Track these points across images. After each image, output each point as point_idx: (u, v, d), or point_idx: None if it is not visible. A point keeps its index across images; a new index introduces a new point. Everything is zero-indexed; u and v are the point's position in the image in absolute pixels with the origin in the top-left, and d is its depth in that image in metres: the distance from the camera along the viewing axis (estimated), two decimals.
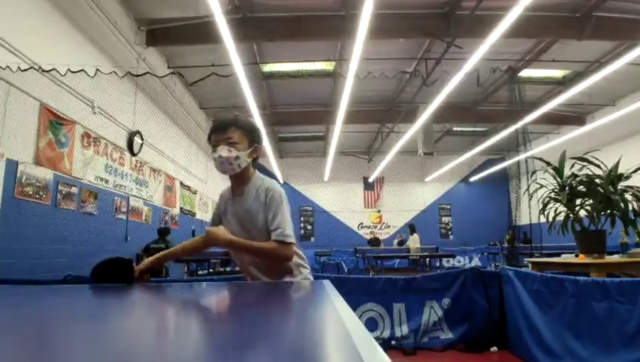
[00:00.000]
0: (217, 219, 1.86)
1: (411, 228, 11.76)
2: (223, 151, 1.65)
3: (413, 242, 11.18)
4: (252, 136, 1.74)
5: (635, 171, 3.51)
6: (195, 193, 11.35)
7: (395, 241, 14.49)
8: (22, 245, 4.85)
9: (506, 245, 8.83)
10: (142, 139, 7.81)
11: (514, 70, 8.58)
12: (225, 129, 1.70)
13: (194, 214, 11.19)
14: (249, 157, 1.72)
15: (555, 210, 3.61)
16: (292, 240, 1.65)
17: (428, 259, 9.34)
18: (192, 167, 10.87)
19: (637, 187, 3.39)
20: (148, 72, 6.70)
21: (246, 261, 1.74)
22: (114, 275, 1.56)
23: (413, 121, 10.11)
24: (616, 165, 3.48)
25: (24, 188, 4.95)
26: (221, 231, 1.66)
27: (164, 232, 7.50)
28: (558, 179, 3.70)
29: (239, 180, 1.75)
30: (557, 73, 9.67)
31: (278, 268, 1.71)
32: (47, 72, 5.01)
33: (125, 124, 7.20)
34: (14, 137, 4.76)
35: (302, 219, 16.57)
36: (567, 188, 3.58)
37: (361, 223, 16.57)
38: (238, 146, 1.67)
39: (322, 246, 13.63)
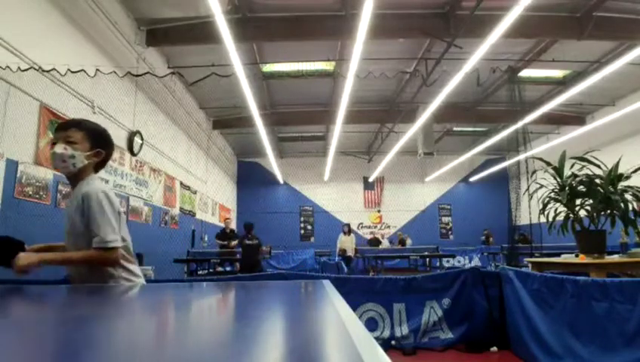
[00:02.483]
0: None
1: (348, 227, 11.05)
2: (59, 148, 1.66)
3: (346, 242, 10.68)
4: (96, 139, 1.74)
5: (635, 171, 3.51)
6: (195, 193, 11.35)
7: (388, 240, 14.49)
8: None
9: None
10: (142, 139, 7.81)
11: (514, 70, 8.58)
12: (66, 128, 1.72)
13: (194, 214, 11.19)
14: (87, 159, 1.70)
15: (555, 210, 3.61)
16: (115, 244, 1.59)
17: (428, 259, 9.34)
18: (192, 167, 10.87)
19: (637, 187, 3.39)
20: (148, 72, 6.70)
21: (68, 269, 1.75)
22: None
23: (413, 121, 10.11)
24: (616, 165, 3.47)
25: (24, 188, 4.95)
26: (25, 256, 1.57)
27: (250, 227, 7.95)
28: (558, 179, 3.70)
29: (73, 181, 1.74)
30: (557, 73, 9.67)
31: (94, 279, 1.64)
32: (47, 72, 5.01)
33: (125, 124, 7.20)
34: (14, 137, 4.76)
35: (302, 219, 16.58)
36: (567, 188, 3.58)
37: (361, 223, 16.56)
38: (76, 146, 1.67)
39: (322, 246, 13.62)
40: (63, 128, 1.72)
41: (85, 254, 1.59)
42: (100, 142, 1.76)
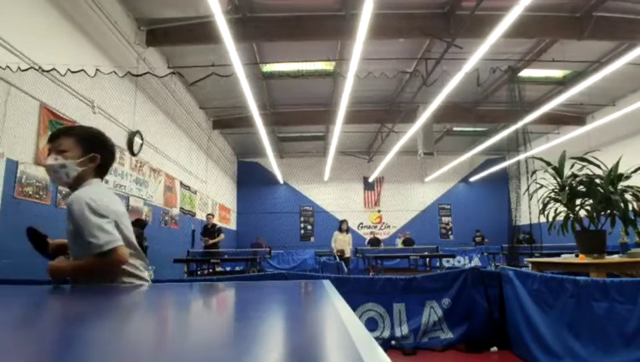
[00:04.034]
0: None
1: (346, 224, 9.83)
2: (50, 159, 1.58)
3: (343, 242, 9.60)
4: (88, 143, 1.63)
5: (635, 171, 3.51)
6: (195, 193, 11.35)
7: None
8: (22, 245, 4.84)
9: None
10: (142, 139, 7.81)
11: (514, 70, 8.58)
12: (55, 138, 1.63)
13: (194, 214, 11.19)
14: (81, 165, 1.60)
15: (555, 210, 3.61)
16: (113, 245, 1.47)
17: (428, 259, 9.33)
18: (192, 167, 10.87)
19: (637, 187, 3.39)
20: (148, 72, 6.70)
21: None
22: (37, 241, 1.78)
23: (413, 121, 10.12)
24: (616, 165, 3.47)
25: (24, 188, 4.96)
26: (55, 266, 1.59)
27: (142, 224, 6.80)
28: (558, 179, 3.70)
29: (73, 190, 1.63)
30: (557, 73, 9.68)
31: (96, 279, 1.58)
32: (47, 72, 5.01)
33: (125, 124, 7.20)
34: (14, 137, 4.76)
35: (302, 219, 16.58)
36: (567, 188, 3.58)
37: (361, 223, 16.57)
38: (66, 154, 1.58)
39: (322, 246, 13.64)
40: (54, 138, 1.63)
41: (89, 263, 1.51)
42: (93, 146, 1.65)
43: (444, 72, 7.78)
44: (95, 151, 1.64)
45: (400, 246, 13.51)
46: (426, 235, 15.20)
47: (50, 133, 1.71)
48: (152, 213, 8.54)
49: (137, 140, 7.64)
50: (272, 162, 13.72)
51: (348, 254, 9.65)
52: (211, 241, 9.48)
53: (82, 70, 5.07)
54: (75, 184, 1.63)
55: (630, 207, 3.33)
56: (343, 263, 8.93)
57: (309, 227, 16.60)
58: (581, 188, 3.53)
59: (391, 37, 7.43)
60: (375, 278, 4.14)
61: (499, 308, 3.66)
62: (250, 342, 0.59)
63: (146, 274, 1.72)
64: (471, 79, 7.54)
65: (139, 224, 6.28)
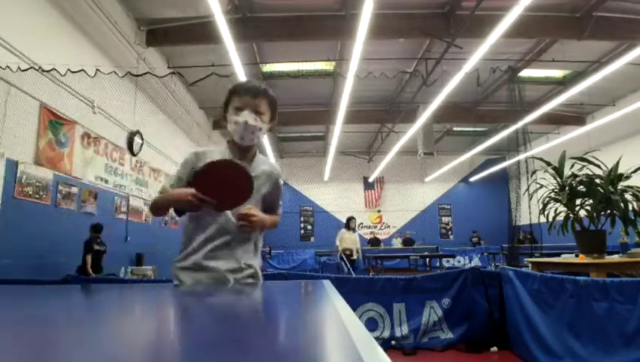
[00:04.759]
0: (187, 179, 1.67)
1: (354, 222, 9.00)
2: (250, 118, 1.52)
3: (352, 241, 8.73)
4: (274, 111, 1.64)
5: (635, 171, 3.51)
6: None
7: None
8: (22, 245, 4.85)
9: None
10: (142, 139, 7.80)
11: (514, 70, 8.57)
12: (256, 95, 1.56)
13: None
14: (267, 131, 1.65)
15: (555, 210, 3.61)
16: None
17: (428, 259, 9.34)
18: None
19: (637, 187, 3.39)
20: (148, 72, 6.70)
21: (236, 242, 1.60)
22: None
23: (413, 121, 10.12)
24: (616, 165, 3.47)
25: (24, 188, 4.96)
26: (256, 210, 1.53)
27: (99, 228, 6.12)
28: (558, 179, 3.70)
29: (248, 151, 1.63)
30: (557, 73, 9.67)
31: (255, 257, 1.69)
32: (47, 72, 5.01)
33: (125, 124, 7.20)
34: (14, 137, 4.76)
35: (302, 219, 16.57)
36: (567, 188, 3.58)
37: (361, 223, 16.55)
38: (263, 117, 1.57)
39: (322, 246, 13.63)
40: (253, 94, 1.55)
41: (278, 220, 1.76)
42: (275, 113, 1.65)
43: (444, 72, 7.77)
44: (275, 118, 1.67)
45: (399, 246, 13.55)
46: (426, 235, 15.20)
47: (248, 82, 1.66)
48: None
49: (137, 140, 7.64)
50: (271, 162, 13.71)
51: (356, 256, 8.73)
52: None
53: (82, 70, 5.07)
54: (253, 146, 1.65)
55: (630, 207, 3.33)
56: (348, 264, 8.27)
57: (309, 227, 16.59)
58: (581, 188, 3.53)
59: (391, 37, 7.43)
60: (375, 278, 4.14)
61: (499, 308, 3.66)
62: (250, 342, 0.59)
63: None
64: (471, 79, 7.53)
65: (95, 229, 6.04)
